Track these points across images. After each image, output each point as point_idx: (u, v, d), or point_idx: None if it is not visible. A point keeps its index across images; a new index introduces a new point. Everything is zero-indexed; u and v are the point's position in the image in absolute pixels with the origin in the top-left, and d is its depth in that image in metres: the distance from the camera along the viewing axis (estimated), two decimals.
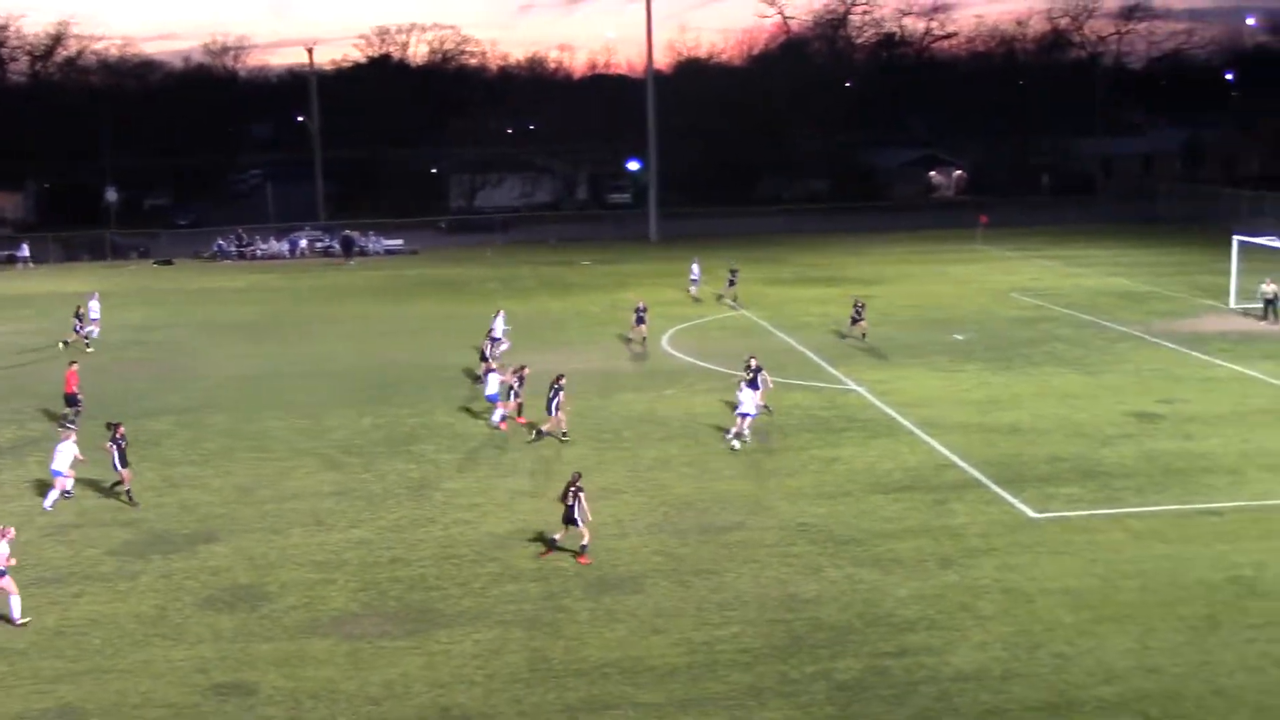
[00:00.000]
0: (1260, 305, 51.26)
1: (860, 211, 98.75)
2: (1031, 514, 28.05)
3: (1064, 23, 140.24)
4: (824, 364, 44.03)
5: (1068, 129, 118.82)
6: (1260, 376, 41.28)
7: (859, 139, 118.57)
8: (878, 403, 38.34)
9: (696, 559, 25.65)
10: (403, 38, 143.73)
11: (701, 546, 26.32)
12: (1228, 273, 56.02)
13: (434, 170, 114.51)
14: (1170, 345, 46.74)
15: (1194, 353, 45.29)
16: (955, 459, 32.22)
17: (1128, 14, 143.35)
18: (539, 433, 34.54)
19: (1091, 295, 59.03)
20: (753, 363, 36.14)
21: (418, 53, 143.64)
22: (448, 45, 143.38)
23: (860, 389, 40.17)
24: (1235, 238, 56.37)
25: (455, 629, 22.66)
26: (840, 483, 30.52)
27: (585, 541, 25.70)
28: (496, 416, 35.91)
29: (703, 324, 53.30)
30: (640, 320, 48.16)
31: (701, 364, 44.51)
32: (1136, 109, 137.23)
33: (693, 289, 60.32)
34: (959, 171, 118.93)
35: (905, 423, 35.81)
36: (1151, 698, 19.79)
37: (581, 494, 25.65)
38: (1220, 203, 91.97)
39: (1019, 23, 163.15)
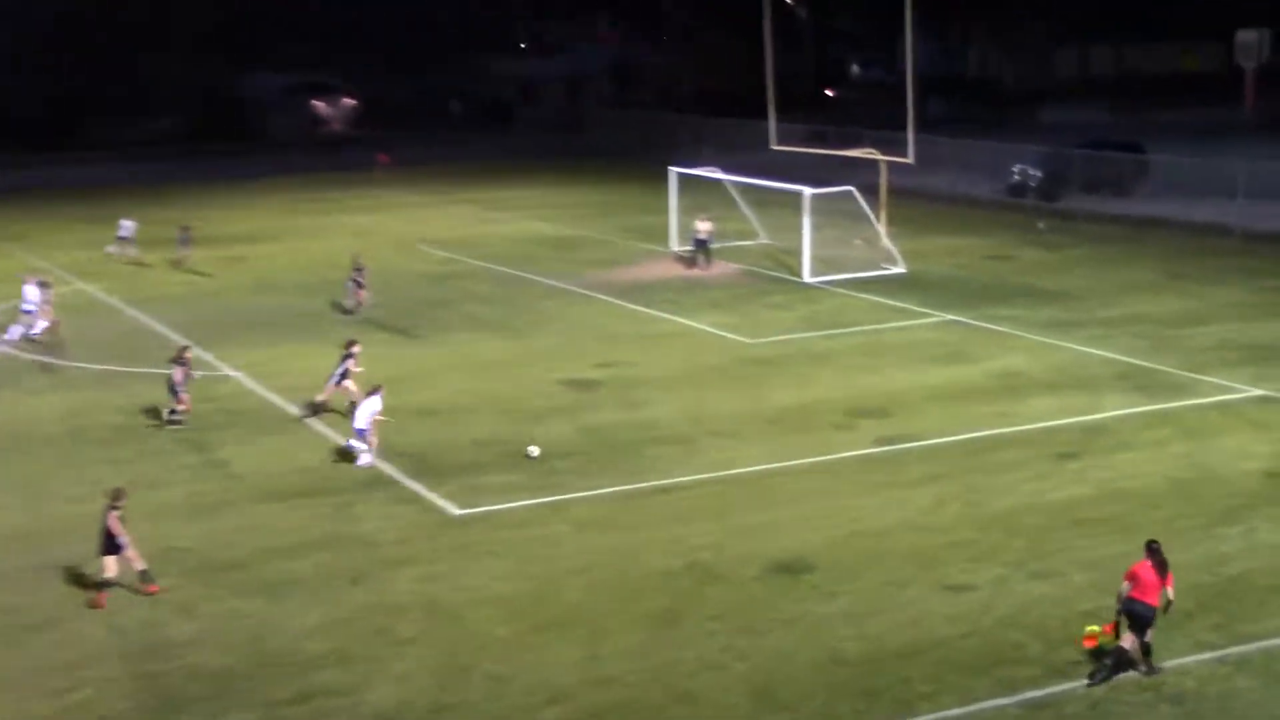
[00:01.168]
0: (692, 248, 54.59)
1: (229, 154, 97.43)
2: (456, 511, 28.68)
3: None
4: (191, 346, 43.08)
5: (480, 47, 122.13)
6: (708, 329, 44.18)
7: (224, 64, 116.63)
8: (260, 389, 37.99)
9: (32, 608, 24.48)
10: None
11: (39, 590, 25.17)
12: (667, 210, 59.55)
13: None
14: (607, 298, 49.13)
15: (634, 306, 47.84)
16: None
17: None
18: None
19: (514, 244, 61.07)
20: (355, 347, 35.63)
21: None
22: None
23: (238, 374, 39.65)
24: (673, 170, 60.00)
25: None
26: (218, 493, 30.04)
27: (141, 566, 24.57)
28: None
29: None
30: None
31: (25, 356, 42.47)
32: (561, 25, 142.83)
33: (128, 251, 57.26)
34: (350, 100, 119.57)
35: (297, 411, 35.65)
36: (606, 713, 20.70)
37: (115, 512, 24.42)
38: (655, 130, 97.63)
39: None
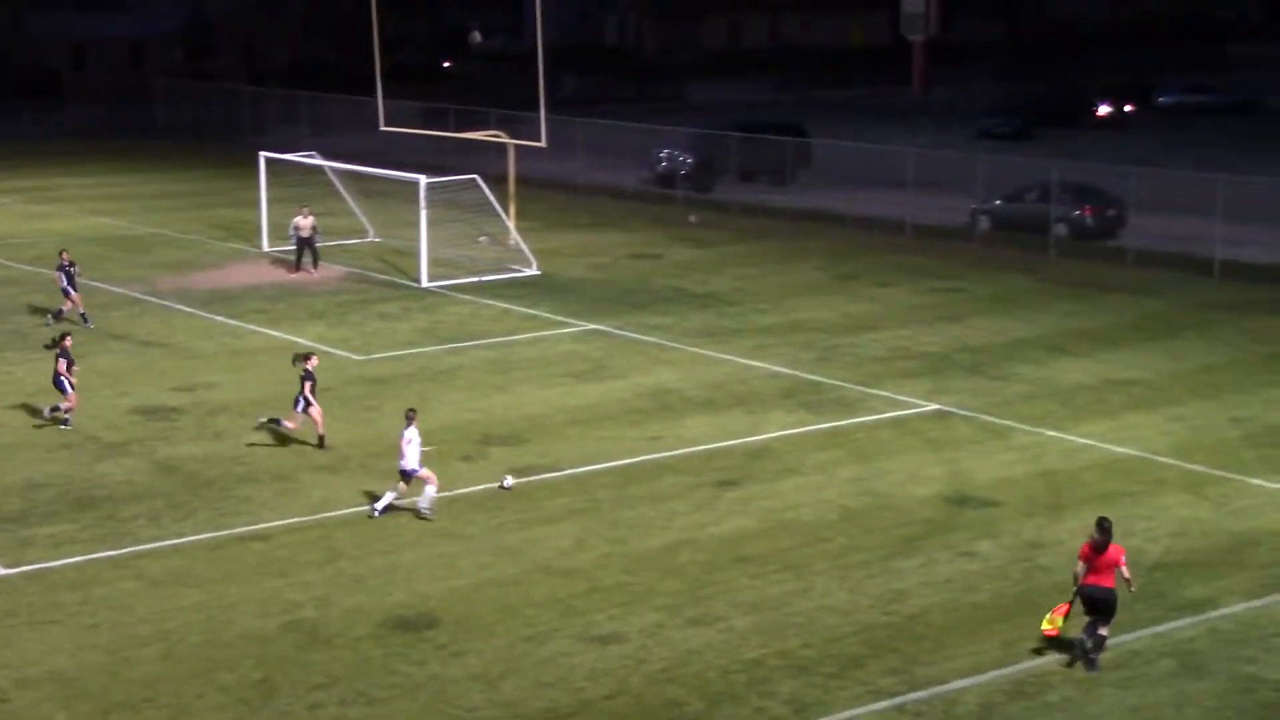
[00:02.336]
0: (294, 247, 53.90)
1: None
2: (0, 570, 27.87)
3: None
4: None
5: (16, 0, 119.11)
6: (312, 345, 43.72)
7: None
8: None
9: None
10: None
11: None
12: (257, 203, 58.82)
13: None
14: (186, 309, 48.26)
15: (218, 317, 47.13)
16: None
17: None
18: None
19: (70, 243, 58.98)
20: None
21: None
22: None
23: None
24: (263, 155, 59.26)
25: None
26: None
27: None
28: None
29: None
30: None
31: None
32: None
33: None
34: None
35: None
36: None
37: None
38: (239, 107, 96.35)
39: None
